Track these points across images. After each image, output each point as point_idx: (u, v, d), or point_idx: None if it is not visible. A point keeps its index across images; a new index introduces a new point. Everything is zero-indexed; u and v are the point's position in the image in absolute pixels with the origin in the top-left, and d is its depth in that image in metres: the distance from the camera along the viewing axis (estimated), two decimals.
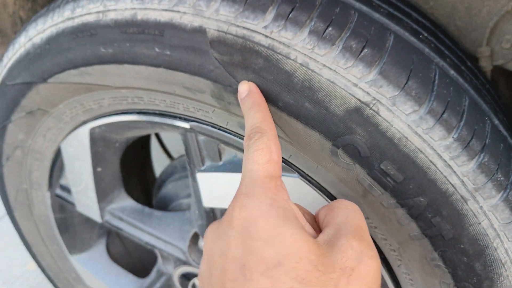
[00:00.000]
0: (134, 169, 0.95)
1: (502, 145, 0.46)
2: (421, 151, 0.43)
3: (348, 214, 0.37)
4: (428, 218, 0.45)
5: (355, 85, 0.42)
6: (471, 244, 0.45)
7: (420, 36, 0.49)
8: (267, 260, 0.32)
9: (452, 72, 0.47)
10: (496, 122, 0.48)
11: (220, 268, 0.35)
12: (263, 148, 0.39)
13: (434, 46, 0.49)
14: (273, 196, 0.36)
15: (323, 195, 0.53)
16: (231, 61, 0.46)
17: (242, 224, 0.35)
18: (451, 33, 0.73)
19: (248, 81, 0.46)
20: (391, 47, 0.44)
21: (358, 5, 0.47)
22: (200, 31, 0.46)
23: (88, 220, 0.88)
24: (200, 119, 0.56)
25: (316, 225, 0.40)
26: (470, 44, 0.71)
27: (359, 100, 0.42)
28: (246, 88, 0.46)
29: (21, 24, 1.05)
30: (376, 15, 0.47)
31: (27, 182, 0.85)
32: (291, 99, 0.44)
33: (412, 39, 0.47)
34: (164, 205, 0.90)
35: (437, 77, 0.44)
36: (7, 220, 1.11)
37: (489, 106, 0.49)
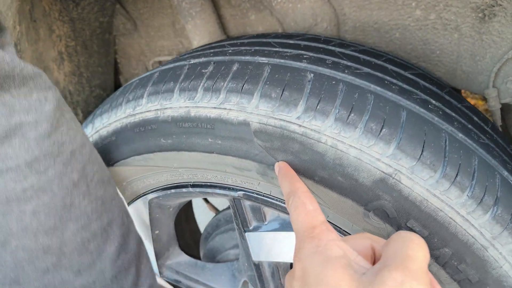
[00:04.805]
0: (182, 224, 1.05)
1: None
2: (441, 210, 0.50)
3: (399, 245, 0.37)
4: (455, 266, 0.52)
5: (378, 159, 0.51)
6: (496, 285, 0.52)
7: (429, 106, 0.57)
8: None
9: (460, 135, 0.55)
10: (506, 174, 0.55)
11: None
12: (298, 205, 0.47)
13: (442, 112, 0.57)
14: (317, 243, 0.42)
15: None
16: (272, 146, 0.55)
17: (300, 275, 0.42)
18: (458, 77, 0.82)
19: (287, 161, 0.55)
20: (405, 123, 0.52)
21: (373, 87, 0.56)
22: (245, 124, 0.56)
23: None
24: (247, 188, 0.66)
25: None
26: (477, 86, 0.80)
27: (382, 172, 0.51)
28: (277, 168, 0.56)
29: (70, 97, 1.19)
30: (389, 94, 0.56)
31: None
32: (325, 174, 0.53)
33: (422, 110, 0.55)
34: (212, 256, 0.98)
35: (447, 143, 0.52)
36: None
37: (497, 160, 0.56)
